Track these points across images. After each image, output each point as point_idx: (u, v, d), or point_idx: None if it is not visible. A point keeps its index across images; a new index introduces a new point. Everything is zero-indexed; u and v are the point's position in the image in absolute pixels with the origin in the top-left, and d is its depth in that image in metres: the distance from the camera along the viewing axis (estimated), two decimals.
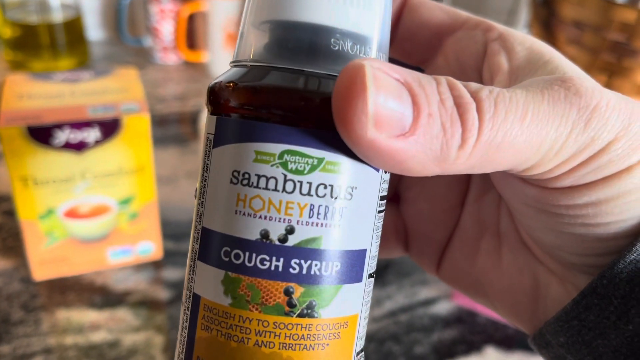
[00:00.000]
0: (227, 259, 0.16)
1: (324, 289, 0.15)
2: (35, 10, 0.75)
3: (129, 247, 0.46)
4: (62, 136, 0.40)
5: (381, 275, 0.49)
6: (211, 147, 0.16)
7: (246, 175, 0.15)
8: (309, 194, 0.15)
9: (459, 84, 0.15)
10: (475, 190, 0.23)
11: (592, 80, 0.16)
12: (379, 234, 0.17)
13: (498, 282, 0.21)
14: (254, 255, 0.15)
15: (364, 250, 0.16)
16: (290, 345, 0.15)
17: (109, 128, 0.40)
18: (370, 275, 0.17)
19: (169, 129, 0.68)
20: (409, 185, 0.24)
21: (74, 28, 0.77)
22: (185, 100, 0.75)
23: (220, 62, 0.80)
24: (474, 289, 0.23)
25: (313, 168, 0.15)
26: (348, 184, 0.15)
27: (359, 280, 0.16)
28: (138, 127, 0.41)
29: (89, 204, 0.43)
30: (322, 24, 0.15)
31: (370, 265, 0.17)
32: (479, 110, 0.15)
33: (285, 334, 0.15)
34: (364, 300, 0.17)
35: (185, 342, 0.17)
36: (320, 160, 0.15)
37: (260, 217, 0.15)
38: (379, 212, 0.17)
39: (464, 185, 0.23)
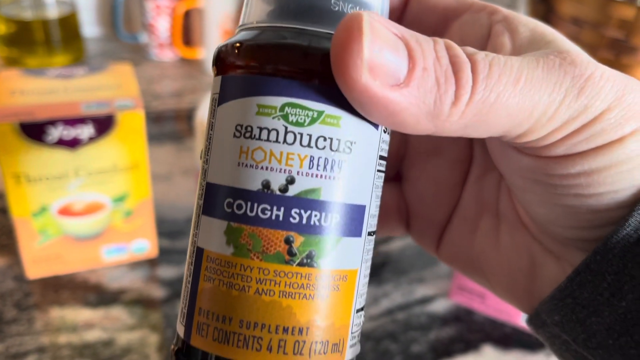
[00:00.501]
0: (229, 210, 0.16)
1: (324, 239, 0.16)
2: (30, 7, 0.74)
3: (124, 245, 0.46)
4: (56, 133, 0.39)
5: (378, 273, 0.48)
6: (216, 106, 0.17)
7: (249, 128, 0.16)
8: (309, 145, 0.16)
9: (455, 46, 0.15)
10: (477, 171, 0.23)
11: (588, 55, 0.17)
12: (379, 194, 0.18)
13: (495, 262, 0.22)
14: (255, 205, 0.16)
15: (363, 206, 0.17)
16: (290, 294, 0.16)
17: (103, 124, 0.40)
18: (369, 233, 0.18)
19: (165, 126, 0.68)
20: (411, 164, 0.24)
21: (68, 24, 0.77)
22: (181, 97, 0.75)
23: None
24: (472, 268, 0.23)
25: (313, 120, 0.16)
26: (347, 137, 0.16)
27: (358, 235, 0.17)
28: (132, 124, 0.41)
29: (83, 202, 0.42)
30: None
31: (370, 223, 0.17)
32: (473, 70, 0.15)
33: (285, 282, 0.16)
34: (363, 257, 0.17)
35: (188, 296, 0.17)
36: (320, 113, 0.16)
37: (261, 168, 0.16)
38: (379, 171, 0.17)
39: (466, 165, 0.23)
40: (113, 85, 0.43)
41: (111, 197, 0.43)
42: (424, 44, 0.15)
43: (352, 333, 0.17)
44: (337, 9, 0.16)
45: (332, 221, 0.16)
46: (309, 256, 0.16)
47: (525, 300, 0.21)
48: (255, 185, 0.16)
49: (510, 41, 0.18)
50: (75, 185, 0.42)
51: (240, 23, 0.18)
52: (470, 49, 0.16)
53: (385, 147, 0.18)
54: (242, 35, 0.17)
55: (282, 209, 0.16)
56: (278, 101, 0.16)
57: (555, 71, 0.15)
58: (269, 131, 0.16)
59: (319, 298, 0.16)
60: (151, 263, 0.47)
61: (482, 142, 0.22)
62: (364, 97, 0.15)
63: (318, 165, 0.16)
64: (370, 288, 0.47)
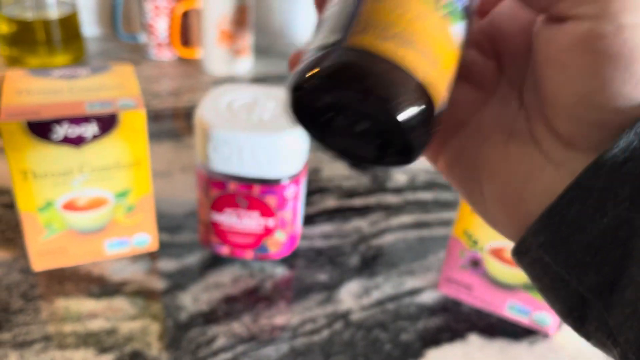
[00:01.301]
0: None
1: None
2: (31, 7, 0.76)
3: (126, 238, 0.48)
4: (61, 131, 0.41)
5: (370, 266, 0.50)
6: None
7: None
8: None
9: None
10: (502, 92, 0.23)
11: None
12: None
13: (496, 168, 0.22)
14: None
15: None
16: None
17: (106, 123, 0.42)
18: None
19: (164, 124, 0.69)
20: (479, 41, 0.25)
21: (69, 24, 0.78)
22: (179, 96, 0.76)
23: (214, 57, 0.82)
24: (469, 175, 0.23)
25: None
26: None
27: None
28: (134, 123, 0.42)
29: (87, 197, 0.44)
30: None
31: None
32: None
33: None
34: None
35: (346, 17, 0.19)
36: None
37: None
38: None
39: (492, 87, 0.24)
40: (115, 86, 0.45)
41: (114, 192, 0.45)
42: None
43: None
44: None
45: None
46: None
47: (515, 219, 0.21)
48: None
49: None
50: (80, 181, 0.43)
51: None
52: None
53: None
54: None
55: None
56: None
57: None
58: None
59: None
60: (152, 256, 0.49)
61: (514, 62, 0.23)
62: None
63: None
64: (361, 280, 0.49)
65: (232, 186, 0.44)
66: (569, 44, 0.19)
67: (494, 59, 0.24)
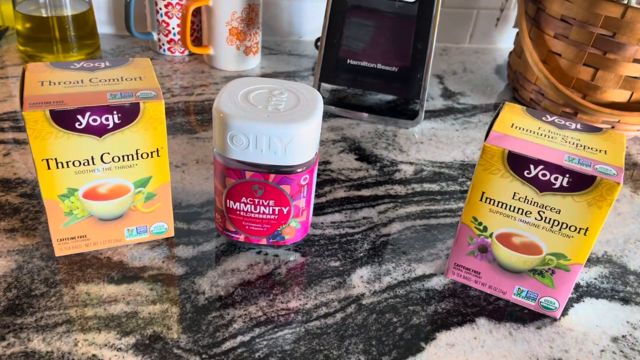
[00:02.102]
0: None
1: None
2: (46, 4, 0.77)
3: (145, 226, 0.49)
4: (84, 121, 0.42)
5: (380, 253, 0.52)
6: None
7: None
8: None
9: None
10: None
11: None
12: None
13: None
14: None
15: None
16: None
17: (128, 113, 0.43)
18: None
19: (177, 119, 0.71)
20: None
21: (84, 21, 0.80)
22: (191, 91, 0.78)
23: (224, 55, 0.83)
24: None
25: None
26: None
27: None
28: (155, 113, 0.44)
29: (108, 185, 0.46)
30: None
31: None
32: None
33: None
34: None
35: None
36: None
37: None
38: None
39: None
40: (135, 77, 0.46)
41: (134, 181, 0.46)
42: None
43: None
44: None
45: None
46: None
47: None
48: None
49: None
50: (101, 169, 0.45)
51: None
52: None
53: None
54: None
55: None
56: None
57: None
58: None
59: None
60: (169, 243, 0.50)
61: None
62: None
63: None
64: (372, 267, 0.50)
65: (248, 175, 0.45)
66: None
67: None
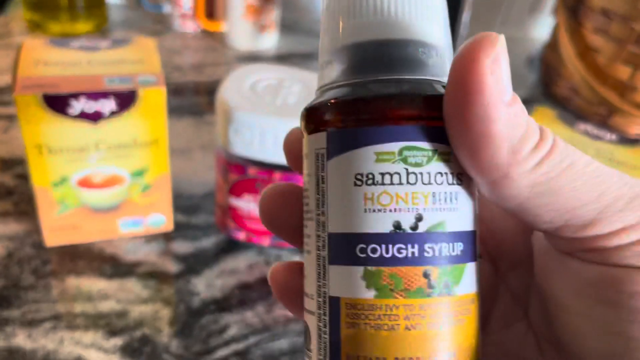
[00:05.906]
0: (363, 255, 0.17)
1: (455, 268, 0.17)
2: None
3: (140, 218, 0.46)
4: (78, 106, 0.39)
5: None
6: (325, 160, 0.18)
7: (370, 176, 0.17)
8: (429, 182, 0.17)
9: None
10: (508, 303, 0.21)
11: None
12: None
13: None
14: (390, 246, 0.17)
15: (475, 231, 0.18)
16: (436, 325, 0.17)
17: (125, 100, 0.40)
18: (479, 256, 0.19)
19: (185, 99, 0.68)
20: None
21: None
22: (201, 69, 0.75)
23: (238, 32, 0.80)
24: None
25: (429, 159, 0.17)
26: (457, 170, 0.17)
27: (475, 259, 0.18)
28: (154, 100, 0.41)
29: (102, 174, 0.43)
30: (410, 39, 0.17)
31: (477, 246, 0.18)
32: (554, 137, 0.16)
33: (430, 314, 0.17)
34: (477, 279, 0.18)
35: (327, 347, 0.18)
36: (434, 151, 0.17)
37: (390, 210, 0.17)
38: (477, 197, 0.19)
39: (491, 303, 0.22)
40: (136, 60, 0.43)
41: (130, 171, 0.44)
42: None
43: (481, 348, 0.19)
44: (424, 57, 0.17)
45: (458, 250, 0.17)
46: (446, 286, 0.17)
47: None
48: (387, 228, 0.17)
49: None
50: (95, 158, 0.42)
51: (324, 82, 0.19)
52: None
53: None
54: (341, 92, 0.18)
55: (416, 245, 0.17)
56: (396, 147, 0.17)
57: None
58: (392, 175, 0.17)
59: (459, 323, 0.17)
60: (166, 237, 0.48)
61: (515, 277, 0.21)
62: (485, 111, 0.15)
63: (440, 200, 0.17)
64: None
65: (251, 171, 0.42)
66: (584, 288, 0.17)
67: (489, 261, 0.22)
